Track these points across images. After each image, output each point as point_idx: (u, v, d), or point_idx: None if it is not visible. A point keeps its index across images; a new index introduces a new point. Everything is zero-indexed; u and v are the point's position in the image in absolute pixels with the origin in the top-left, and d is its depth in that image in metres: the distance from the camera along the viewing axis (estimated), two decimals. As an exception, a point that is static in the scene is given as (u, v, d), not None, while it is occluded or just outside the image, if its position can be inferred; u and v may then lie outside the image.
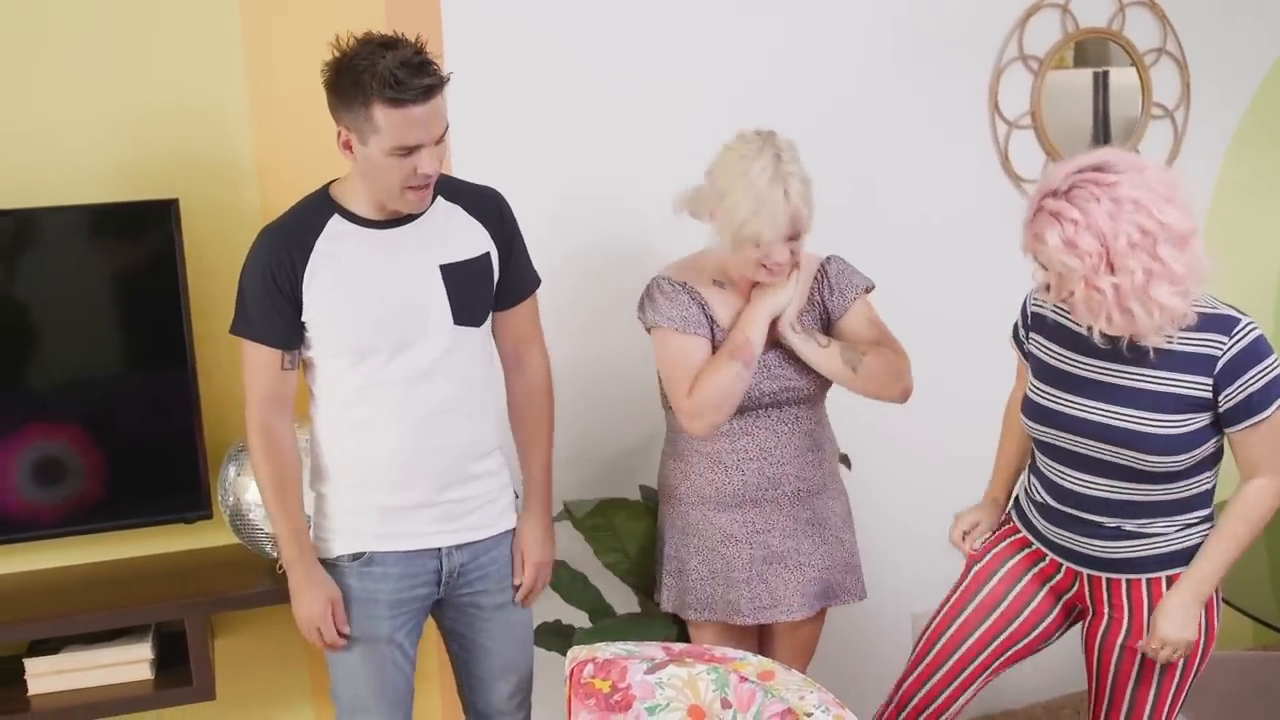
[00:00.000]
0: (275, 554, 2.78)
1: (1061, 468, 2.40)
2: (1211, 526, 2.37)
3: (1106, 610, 2.43)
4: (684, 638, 2.88)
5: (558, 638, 2.88)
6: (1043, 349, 2.43)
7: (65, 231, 2.73)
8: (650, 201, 2.95)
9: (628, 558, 2.98)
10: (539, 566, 2.64)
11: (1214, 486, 2.39)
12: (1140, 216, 2.13)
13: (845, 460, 3.08)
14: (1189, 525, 2.36)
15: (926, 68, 3.39)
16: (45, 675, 2.73)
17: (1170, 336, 2.22)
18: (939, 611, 2.61)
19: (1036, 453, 2.49)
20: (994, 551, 2.58)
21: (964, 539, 2.63)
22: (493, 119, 3.07)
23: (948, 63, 3.41)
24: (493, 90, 3.06)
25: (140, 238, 2.77)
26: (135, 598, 2.75)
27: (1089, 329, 2.27)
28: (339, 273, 2.40)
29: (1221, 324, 2.24)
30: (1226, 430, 2.28)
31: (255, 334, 2.43)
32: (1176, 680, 2.40)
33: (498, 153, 3.07)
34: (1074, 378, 2.35)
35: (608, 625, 2.88)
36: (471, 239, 2.50)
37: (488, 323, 2.56)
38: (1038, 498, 2.49)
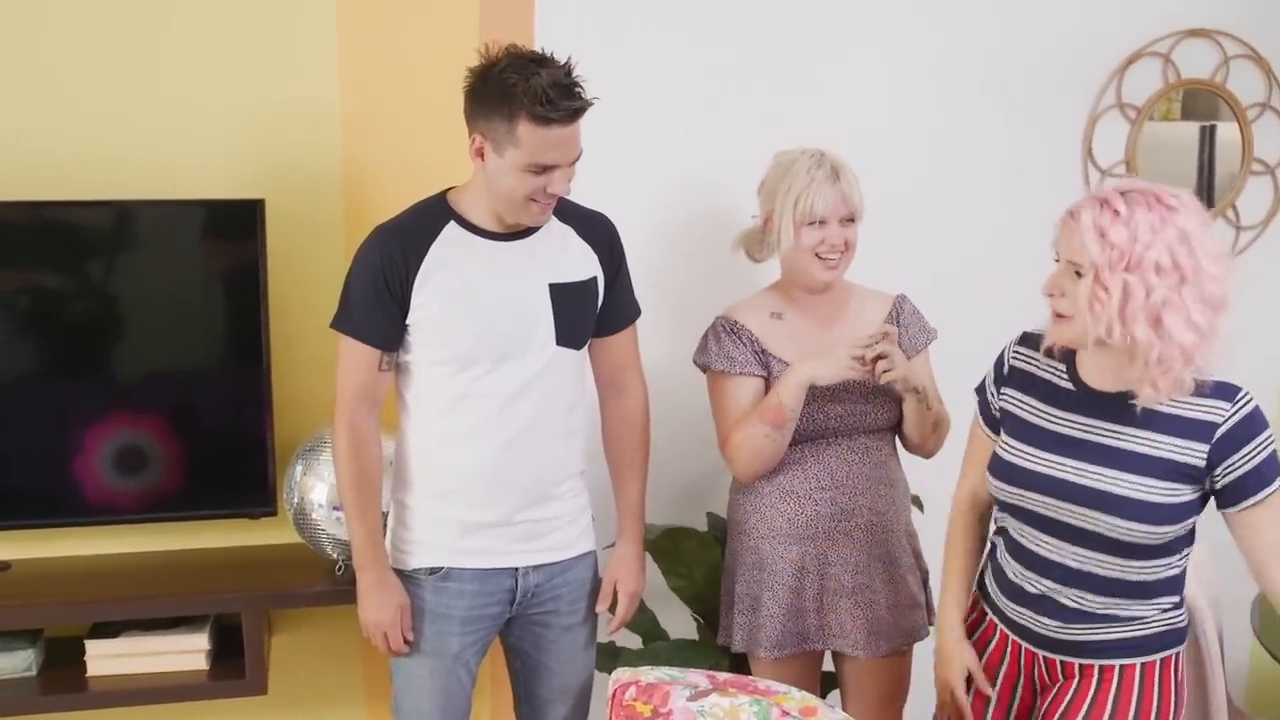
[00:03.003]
0: (335, 555, 2.80)
1: (1030, 530, 2.23)
2: (1180, 613, 2.22)
3: (1061, 680, 2.26)
4: (735, 669, 2.85)
5: (607, 658, 2.86)
6: (1018, 404, 2.27)
7: (153, 225, 2.80)
8: (726, 226, 2.94)
9: (694, 584, 2.96)
10: (633, 596, 2.65)
11: (1185, 571, 2.22)
12: (1181, 248, 2.00)
13: (918, 502, 3.03)
14: (1161, 610, 2.20)
15: (1020, 111, 3.35)
16: (104, 658, 2.78)
17: (1164, 393, 2.06)
18: None
19: (1002, 516, 2.32)
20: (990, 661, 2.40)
21: (968, 693, 2.38)
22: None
23: (1042, 107, 3.36)
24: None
25: (225, 236, 2.83)
26: (196, 588, 2.80)
27: (1069, 365, 2.19)
28: (451, 279, 2.40)
29: (1223, 391, 2.09)
30: (1227, 511, 2.11)
31: (356, 330, 2.42)
32: None
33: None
34: (1051, 434, 2.19)
35: (658, 649, 2.86)
36: (582, 262, 2.51)
37: (585, 347, 2.56)
38: (1000, 568, 2.33)
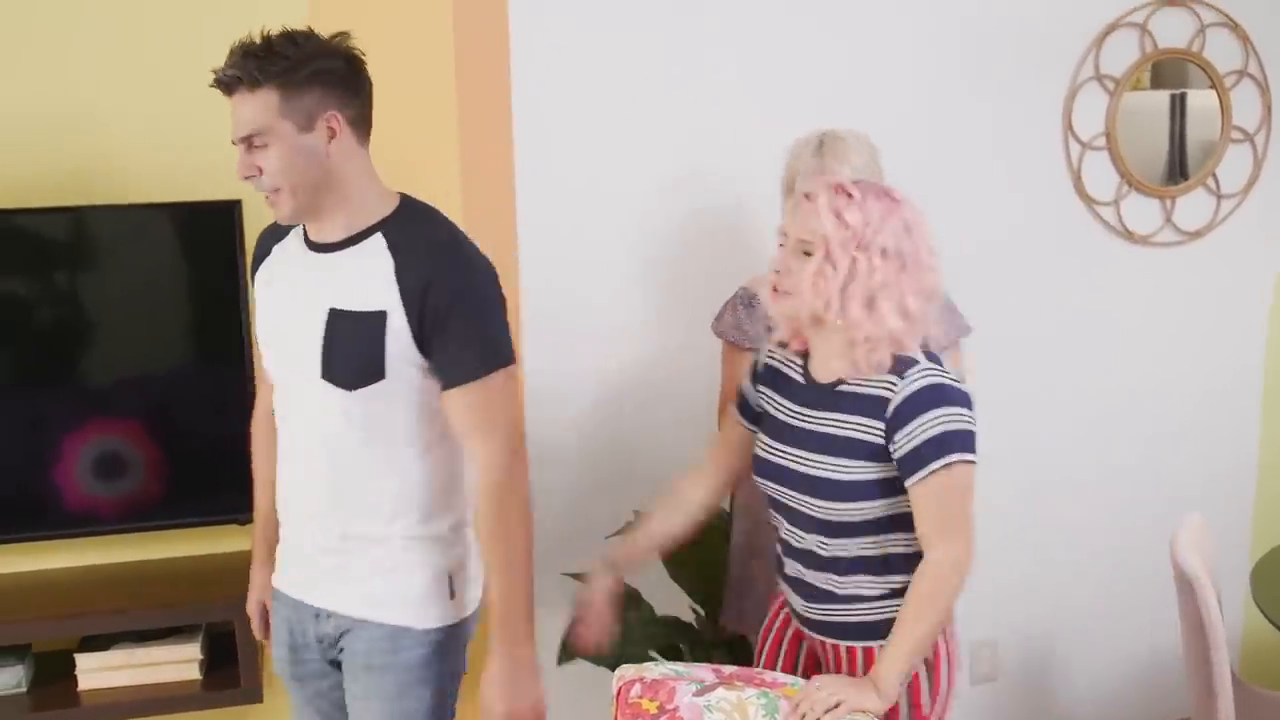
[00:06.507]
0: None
1: (777, 516, 2.30)
2: None
3: (821, 659, 2.32)
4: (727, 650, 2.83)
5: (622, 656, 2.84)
6: (770, 401, 2.31)
7: (130, 230, 2.75)
8: (713, 215, 2.91)
9: (691, 569, 2.93)
10: (506, 716, 2.18)
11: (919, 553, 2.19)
12: (904, 237, 2.11)
13: None
14: (891, 593, 2.19)
15: (998, 86, 3.33)
16: (95, 671, 2.75)
17: (859, 371, 2.13)
18: None
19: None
20: (773, 631, 2.44)
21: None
22: (560, 126, 3.06)
23: (1020, 81, 3.34)
24: (560, 95, 3.05)
25: (203, 238, 2.78)
26: (186, 597, 2.75)
27: (805, 360, 2.23)
28: (264, 286, 2.28)
29: (899, 366, 2.12)
30: (907, 485, 2.11)
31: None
32: None
33: (566, 162, 3.06)
34: (785, 426, 2.25)
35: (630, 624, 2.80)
36: (375, 291, 2.10)
37: (380, 389, 2.12)
38: (777, 558, 2.38)
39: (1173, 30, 3.41)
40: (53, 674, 2.79)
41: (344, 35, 2.13)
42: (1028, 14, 3.31)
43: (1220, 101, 3.48)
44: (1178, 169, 3.52)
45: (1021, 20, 3.31)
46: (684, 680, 2.13)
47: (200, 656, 2.78)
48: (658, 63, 3.10)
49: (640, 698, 2.13)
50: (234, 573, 2.86)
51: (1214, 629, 2.59)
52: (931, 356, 2.16)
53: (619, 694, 2.16)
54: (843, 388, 2.16)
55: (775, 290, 2.18)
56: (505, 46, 2.98)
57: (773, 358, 2.33)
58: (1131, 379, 3.57)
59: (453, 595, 2.26)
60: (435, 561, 2.23)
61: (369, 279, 2.11)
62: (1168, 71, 3.46)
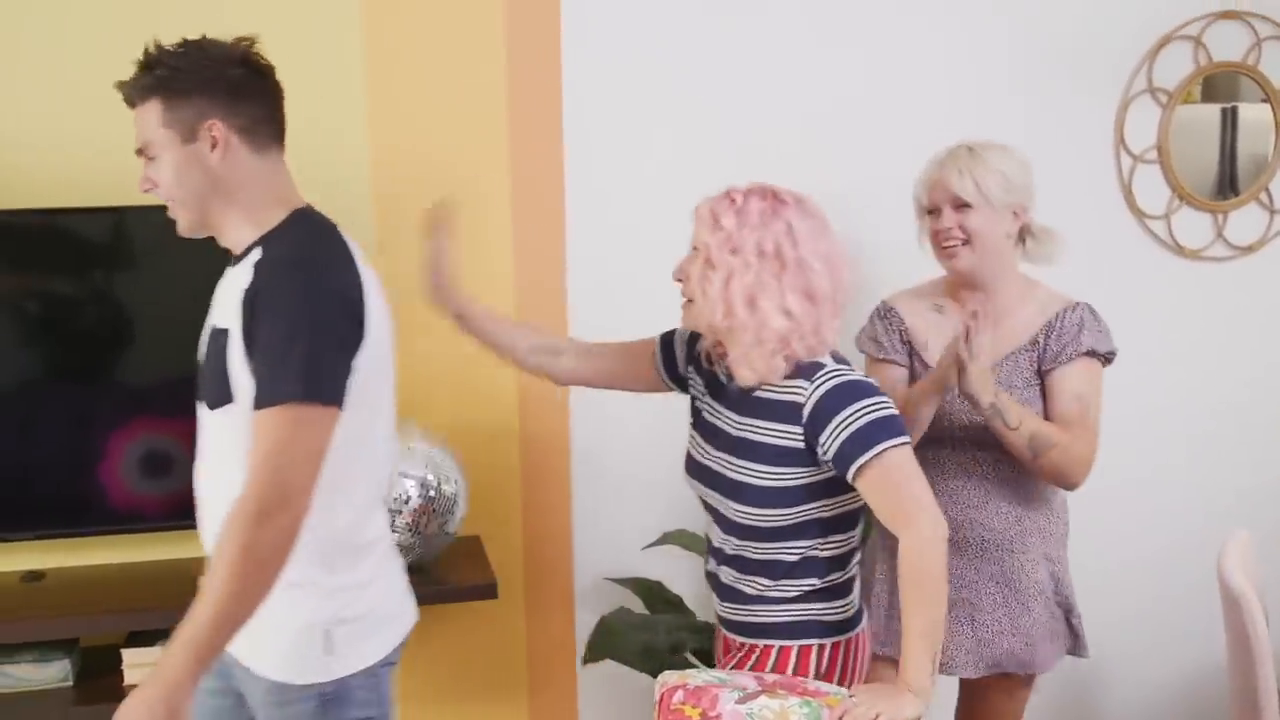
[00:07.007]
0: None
1: (709, 520, 2.35)
2: (832, 605, 2.27)
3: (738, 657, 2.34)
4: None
5: (650, 659, 2.84)
6: (702, 398, 2.36)
7: (170, 229, 2.77)
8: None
9: None
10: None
11: (835, 558, 2.25)
12: (786, 239, 2.13)
13: None
14: (803, 596, 2.25)
15: (1050, 97, 3.31)
16: (141, 666, 2.76)
17: (758, 375, 2.16)
18: None
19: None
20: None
21: None
22: (610, 133, 3.07)
23: (1072, 92, 3.32)
24: (610, 103, 3.06)
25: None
26: (231, 595, 2.77)
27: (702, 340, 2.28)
28: None
29: (807, 370, 2.16)
30: (850, 482, 2.13)
31: None
32: None
33: (616, 168, 3.08)
34: (712, 428, 2.30)
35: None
36: (229, 308, 1.99)
37: (235, 413, 1.97)
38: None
39: (1228, 43, 3.38)
40: (99, 668, 2.82)
41: (247, 40, 2.04)
42: (1081, 25, 3.30)
43: (1275, 115, 3.44)
44: (1228, 183, 3.49)
45: (1075, 31, 3.30)
46: (726, 687, 2.13)
47: (244, 654, 2.80)
48: (709, 70, 3.12)
49: (683, 704, 2.13)
50: (279, 571, 2.89)
51: (1260, 644, 2.58)
52: (839, 359, 2.20)
53: (661, 700, 2.16)
54: (757, 394, 2.20)
55: (684, 300, 2.23)
56: (556, 51, 2.99)
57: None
58: (1181, 393, 3.54)
59: (331, 651, 2.05)
60: (305, 615, 2.03)
61: (232, 296, 1.99)
62: (1218, 84, 3.44)
